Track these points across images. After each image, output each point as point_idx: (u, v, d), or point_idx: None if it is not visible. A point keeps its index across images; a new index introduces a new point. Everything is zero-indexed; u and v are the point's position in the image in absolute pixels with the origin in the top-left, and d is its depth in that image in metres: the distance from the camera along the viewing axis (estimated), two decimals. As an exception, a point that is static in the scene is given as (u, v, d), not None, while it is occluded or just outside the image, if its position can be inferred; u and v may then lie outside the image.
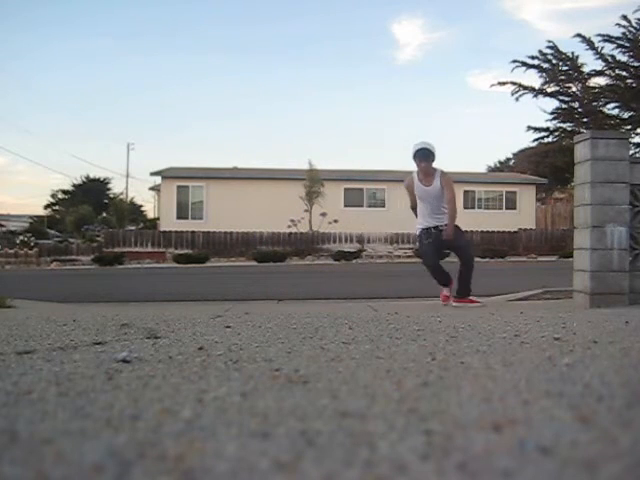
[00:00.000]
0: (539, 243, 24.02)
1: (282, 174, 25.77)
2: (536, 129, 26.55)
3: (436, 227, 5.77)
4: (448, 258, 6.09)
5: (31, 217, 43.49)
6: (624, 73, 23.21)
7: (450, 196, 5.79)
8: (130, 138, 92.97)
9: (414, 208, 6.05)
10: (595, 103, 24.28)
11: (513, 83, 24.91)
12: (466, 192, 26.26)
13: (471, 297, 5.74)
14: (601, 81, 24.21)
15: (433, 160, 5.73)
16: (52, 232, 36.45)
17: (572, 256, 5.60)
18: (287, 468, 1.00)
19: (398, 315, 4.17)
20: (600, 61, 23.30)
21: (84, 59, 78.49)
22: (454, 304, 5.68)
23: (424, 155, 5.65)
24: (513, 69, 24.92)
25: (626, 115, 24.14)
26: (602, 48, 22.91)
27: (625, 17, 22.37)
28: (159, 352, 2.36)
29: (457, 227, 5.86)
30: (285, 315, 4.12)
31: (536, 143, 28.57)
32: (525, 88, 24.91)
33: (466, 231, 24.58)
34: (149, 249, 23.33)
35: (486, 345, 2.50)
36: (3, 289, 7.23)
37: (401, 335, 2.89)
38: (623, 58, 23.02)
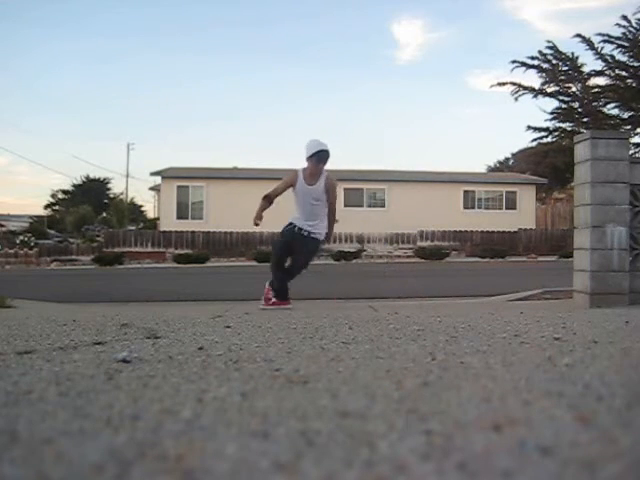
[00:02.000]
0: (539, 243, 24.02)
1: (282, 174, 25.66)
2: (536, 129, 26.54)
3: (301, 230, 5.61)
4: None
5: (31, 217, 43.48)
6: (624, 73, 23.21)
7: (332, 200, 5.72)
8: (130, 138, 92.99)
9: (270, 199, 5.82)
10: (595, 103, 24.27)
11: (513, 83, 24.92)
12: (466, 192, 26.26)
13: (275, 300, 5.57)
14: (601, 81, 24.22)
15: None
16: (52, 232, 36.45)
17: (572, 256, 5.60)
18: (287, 468, 1.00)
19: (398, 315, 4.17)
20: (600, 61, 23.31)
21: (84, 59, 78.56)
22: (263, 307, 5.50)
23: (325, 158, 5.53)
24: (513, 69, 24.94)
25: (626, 115, 24.14)
26: (602, 48, 22.92)
27: (625, 17, 22.39)
28: (159, 352, 2.36)
29: (327, 235, 5.77)
30: (285, 315, 4.12)
31: (535, 143, 28.58)
32: (525, 88, 24.91)
33: (466, 231, 24.30)
34: (149, 249, 23.33)
35: (486, 345, 2.50)
36: (3, 289, 7.24)
37: (401, 335, 2.89)
38: (623, 58, 23.03)
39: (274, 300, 5.55)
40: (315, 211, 5.67)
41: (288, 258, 5.69)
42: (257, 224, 5.79)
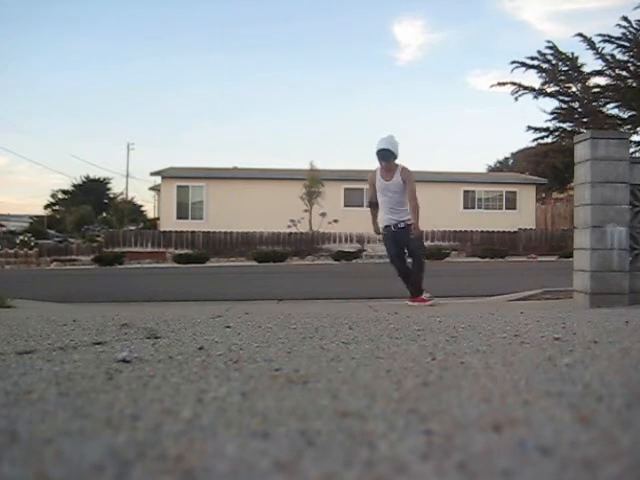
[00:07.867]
0: (539, 243, 24.00)
1: (282, 174, 25.76)
2: (536, 129, 26.52)
3: (396, 225, 5.93)
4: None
5: (31, 217, 43.44)
6: (624, 73, 23.20)
7: (411, 188, 5.97)
8: (130, 138, 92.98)
9: (372, 204, 6.21)
10: (595, 103, 24.27)
11: (513, 83, 24.90)
12: (466, 192, 26.26)
13: (423, 296, 5.90)
14: (601, 81, 24.21)
15: (394, 159, 5.90)
16: (52, 232, 36.42)
17: (572, 256, 5.60)
18: (287, 468, 1.00)
19: (398, 315, 4.17)
20: (600, 61, 23.31)
21: (84, 59, 78.59)
22: (409, 304, 5.85)
23: (384, 156, 5.85)
24: (513, 69, 24.92)
25: (626, 115, 24.13)
26: (602, 48, 22.92)
27: (625, 18, 22.38)
28: (159, 352, 2.36)
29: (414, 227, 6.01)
30: (285, 315, 4.11)
31: (535, 143, 28.57)
32: (525, 88, 24.90)
33: (466, 231, 24.32)
34: (149, 249, 23.31)
35: (486, 345, 2.50)
36: (3, 289, 7.23)
37: (401, 335, 2.89)
38: (623, 58, 23.02)
39: (424, 296, 5.90)
40: (398, 202, 5.97)
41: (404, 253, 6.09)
42: (378, 232, 6.26)
